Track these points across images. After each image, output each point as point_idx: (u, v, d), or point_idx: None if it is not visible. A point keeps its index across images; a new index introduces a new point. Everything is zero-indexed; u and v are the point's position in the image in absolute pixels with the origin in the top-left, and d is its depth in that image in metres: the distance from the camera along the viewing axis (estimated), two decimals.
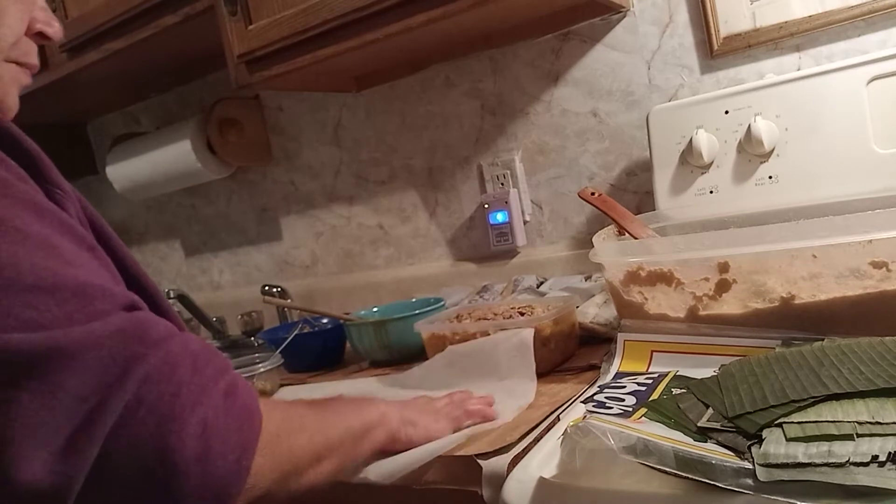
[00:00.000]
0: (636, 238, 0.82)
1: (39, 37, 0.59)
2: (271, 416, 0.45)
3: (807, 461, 0.42)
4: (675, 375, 0.63)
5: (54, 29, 0.59)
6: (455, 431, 0.65)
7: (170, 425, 0.36)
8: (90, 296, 0.38)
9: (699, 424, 0.50)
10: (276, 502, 0.46)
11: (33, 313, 0.36)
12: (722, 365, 0.59)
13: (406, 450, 0.62)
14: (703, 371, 0.60)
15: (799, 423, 0.45)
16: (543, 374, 0.78)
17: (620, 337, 0.72)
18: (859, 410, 0.45)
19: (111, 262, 0.47)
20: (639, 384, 0.62)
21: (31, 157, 0.47)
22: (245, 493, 0.40)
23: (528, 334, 0.77)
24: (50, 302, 0.36)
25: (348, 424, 0.55)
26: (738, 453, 0.45)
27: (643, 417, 0.53)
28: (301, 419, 0.50)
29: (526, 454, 0.58)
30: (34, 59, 0.59)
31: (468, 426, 0.66)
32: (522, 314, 0.87)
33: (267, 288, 1.52)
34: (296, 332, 1.09)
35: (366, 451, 0.58)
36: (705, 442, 0.48)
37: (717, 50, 1.04)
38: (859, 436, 0.43)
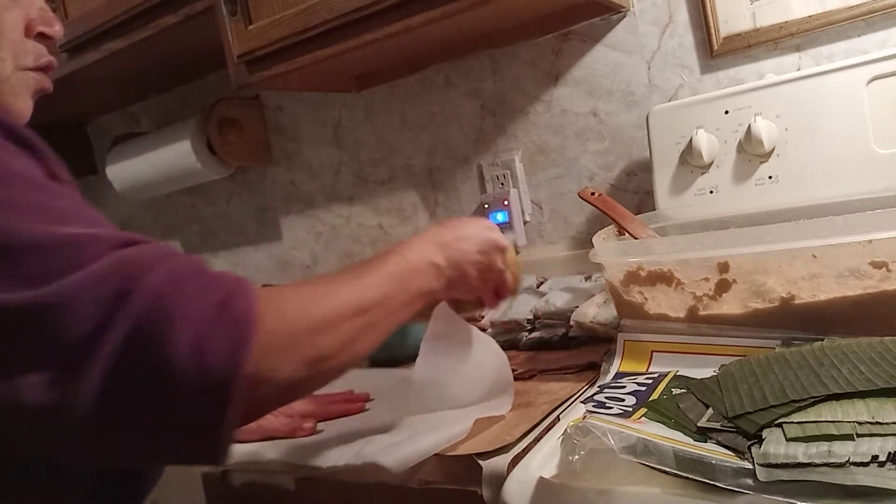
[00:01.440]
0: (636, 238, 0.82)
1: (41, 37, 0.58)
2: (284, 315, 0.46)
3: (807, 461, 0.42)
4: (675, 375, 0.63)
5: (54, 29, 0.59)
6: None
7: (164, 348, 0.38)
8: (76, 245, 0.40)
9: (699, 424, 0.50)
10: (315, 386, 0.49)
11: (22, 272, 0.39)
12: (722, 365, 0.59)
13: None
14: (703, 371, 0.60)
15: (799, 423, 0.45)
16: (543, 371, 0.78)
17: (620, 337, 0.72)
18: (859, 410, 0.45)
19: None
20: (639, 384, 0.62)
21: (39, 151, 0.49)
22: (264, 388, 0.42)
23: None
24: (38, 259, 0.39)
25: (377, 292, 0.55)
26: (738, 453, 0.45)
27: (643, 417, 0.53)
28: (322, 311, 0.49)
29: (526, 454, 0.58)
30: (45, 60, 0.58)
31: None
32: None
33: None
34: None
35: (411, 313, 0.59)
36: (705, 442, 0.48)
37: (717, 50, 1.04)
38: (859, 436, 0.43)
